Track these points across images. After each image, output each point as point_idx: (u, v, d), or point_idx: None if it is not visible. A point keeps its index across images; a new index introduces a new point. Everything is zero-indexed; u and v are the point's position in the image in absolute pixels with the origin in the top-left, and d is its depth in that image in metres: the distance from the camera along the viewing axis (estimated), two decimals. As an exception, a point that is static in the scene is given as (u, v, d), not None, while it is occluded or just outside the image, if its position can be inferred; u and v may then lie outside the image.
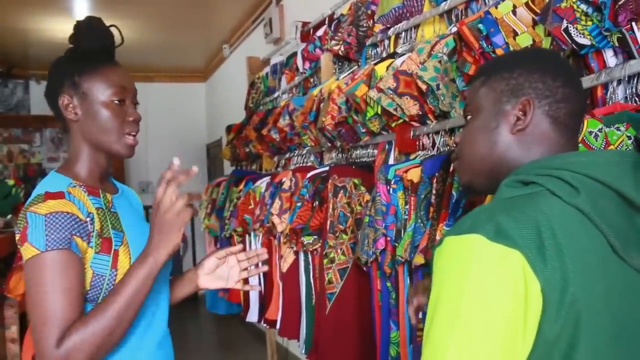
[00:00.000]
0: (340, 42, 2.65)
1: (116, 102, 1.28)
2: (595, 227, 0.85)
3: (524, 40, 1.53)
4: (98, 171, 1.33)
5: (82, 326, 1.13)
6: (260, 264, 1.61)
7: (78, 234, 1.18)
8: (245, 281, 1.51)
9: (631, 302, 0.87)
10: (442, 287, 0.83)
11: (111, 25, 1.35)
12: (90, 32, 1.31)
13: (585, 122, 1.28)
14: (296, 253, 2.62)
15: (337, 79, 2.60)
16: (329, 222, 2.24)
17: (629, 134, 1.22)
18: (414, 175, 1.82)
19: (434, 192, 1.72)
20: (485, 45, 1.59)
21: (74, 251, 1.16)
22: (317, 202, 2.43)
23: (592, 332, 0.81)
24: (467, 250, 0.82)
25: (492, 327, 0.78)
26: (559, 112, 0.95)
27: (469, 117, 1.05)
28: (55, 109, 1.32)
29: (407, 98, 1.96)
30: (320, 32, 3.14)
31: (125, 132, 1.30)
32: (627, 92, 1.35)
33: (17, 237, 1.18)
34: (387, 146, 2.22)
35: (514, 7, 1.55)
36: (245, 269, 1.52)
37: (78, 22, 1.32)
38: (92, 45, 1.30)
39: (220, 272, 1.51)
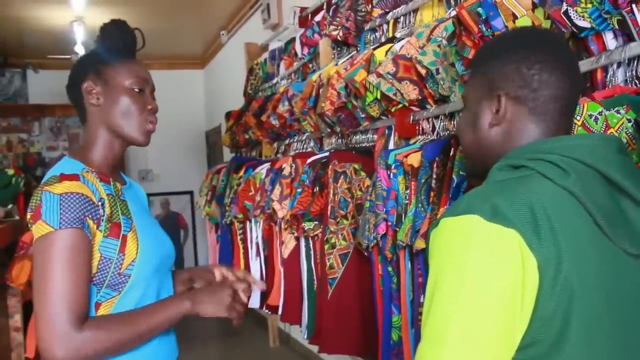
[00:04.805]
0: (339, 27, 2.64)
1: (136, 90, 1.34)
2: (584, 209, 0.87)
3: (524, 24, 1.52)
4: (111, 159, 1.36)
5: (105, 324, 1.18)
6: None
7: (90, 216, 1.20)
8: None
9: (620, 281, 0.89)
10: (441, 267, 0.85)
11: (135, 29, 1.41)
12: (116, 31, 1.38)
13: (585, 105, 1.27)
14: (297, 239, 2.63)
15: (336, 64, 2.59)
16: (329, 207, 2.24)
17: (628, 117, 1.22)
18: (414, 159, 1.82)
19: (434, 176, 1.72)
20: (484, 29, 1.58)
21: (86, 232, 1.18)
22: (317, 188, 2.43)
23: (585, 308, 0.83)
24: (465, 230, 0.84)
25: (493, 305, 0.80)
26: (536, 100, 0.96)
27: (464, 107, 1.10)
28: (76, 97, 1.36)
29: (406, 83, 1.95)
30: (318, 17, 3.13)
31: (145, 119, 1.35)
32: (627, 75, 1.35)
33: (29, 215, 1.19)
34: (386, 131, 2.21)
35: (514, -11, 1.54)
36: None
37: (104, 23, 1.39)
38: (116, 43, 1.37)
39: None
